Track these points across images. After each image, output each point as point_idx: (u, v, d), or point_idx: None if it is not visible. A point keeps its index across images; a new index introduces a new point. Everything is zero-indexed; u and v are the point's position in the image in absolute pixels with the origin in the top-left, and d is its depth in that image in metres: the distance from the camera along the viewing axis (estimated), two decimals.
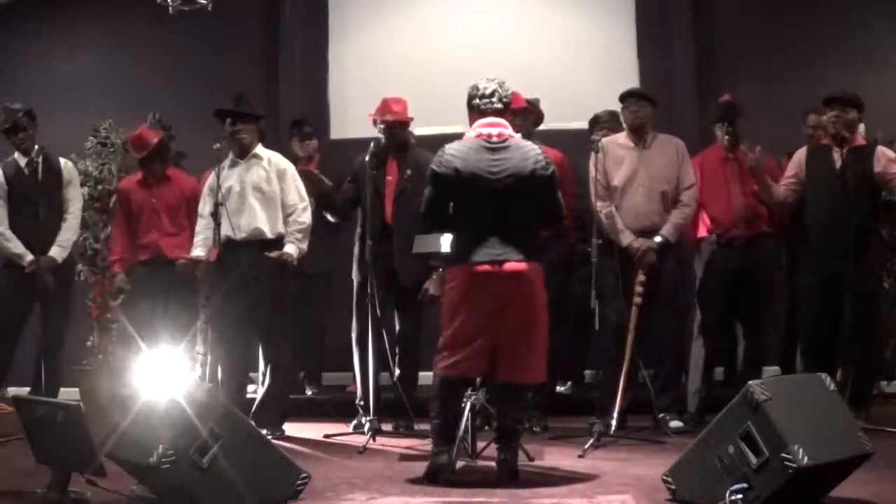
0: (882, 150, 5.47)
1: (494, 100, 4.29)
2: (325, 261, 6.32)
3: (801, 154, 5.54)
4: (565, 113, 6.43)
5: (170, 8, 6.24)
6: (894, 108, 6.86)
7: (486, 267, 4.09)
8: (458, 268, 4.17)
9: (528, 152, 4.22)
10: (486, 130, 4.24)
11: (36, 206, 5.69)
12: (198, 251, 5.43)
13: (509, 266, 4.09)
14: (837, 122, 5.34)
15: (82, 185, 7.01)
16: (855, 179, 5.25)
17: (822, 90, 5.60)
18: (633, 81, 7.01)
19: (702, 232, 5.69)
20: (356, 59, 7.63)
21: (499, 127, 4.25)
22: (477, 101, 4.31)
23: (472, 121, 4.34)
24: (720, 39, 7.33)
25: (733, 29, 7.30)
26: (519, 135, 4.37)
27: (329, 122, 7.61)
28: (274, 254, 5.32)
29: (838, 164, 5.32)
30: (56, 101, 7.13)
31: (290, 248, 5.37)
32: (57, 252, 5.72)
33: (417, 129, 5.88)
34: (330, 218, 5.86)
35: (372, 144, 5.33)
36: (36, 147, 5.80)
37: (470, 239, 4.14)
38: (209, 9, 6.25)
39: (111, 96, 7.50)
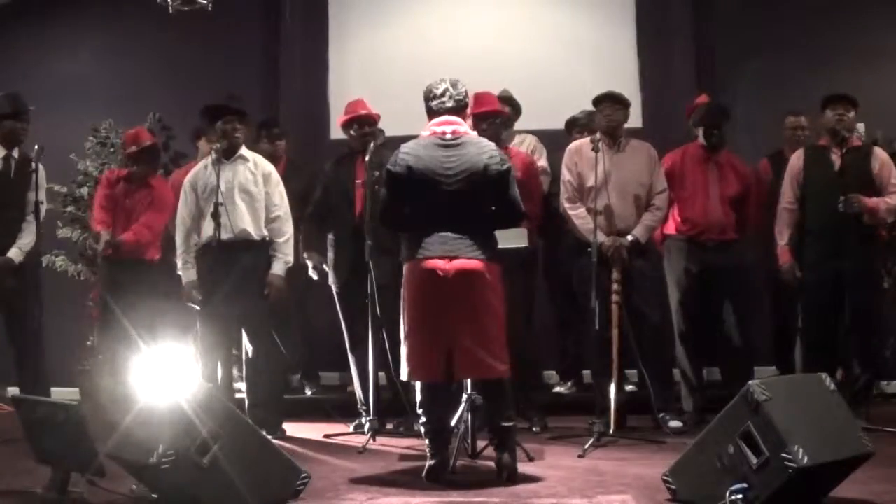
0: (878, 151, 5.49)
1: (445, 98, 4.32)
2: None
3: (797, 160, 5.52)
4: (565, 114, 6.42)
5: (170, 8, 6.23)
6: (894, 109, 6.87)
7: (437, 262, 4.10)
8: (411, 264, 4.19)
9: (482, 148, 4.23)
10: (439, 128, 4.27)
11: (3, 203, 5.64)
12: (187, 273, 5.42)
13: (459, 263, 4.09)
14: (841, 122, 5.34)
15: (82, 185, 7.05)
16: (854, 179, 5.27)
17: (821, 90, 5.62)
18: (632, 81, 7.03)
19: (669, 229, 5.69)
20: (356, 59, 7.63)
21: (453, 125, 4.28)
22: (430, 102, 4.35)
23: (429, 121, 4.38)
24: (720, 39, 7.33)
25: (733, 29, 7.29)
26: (475, 132, 4.39)
27: (329, 122, 7.61)
28: (271, 298, 5.37)
29: (837, 164, 5.33)
30: (56, 101, 7.13)
31: (279, 267, 5.41)
32: (15, 254, 5.61)
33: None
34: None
35: (372, 145, 5.34)
36: (37, 147, 5.76)
37: (424, 236, 4.16)
38: (209, 9, 6.24)
39: (111, 96, 7.50)
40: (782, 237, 5.51)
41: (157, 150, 6.37)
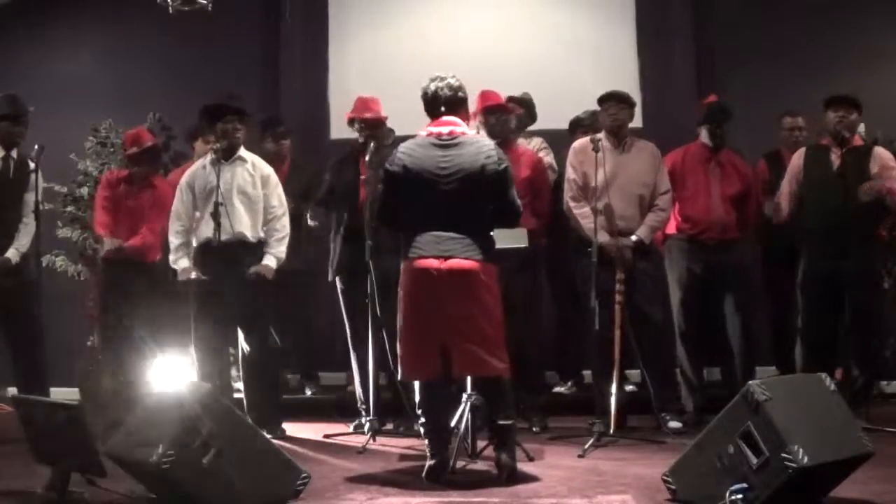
0: (879, 151, 5.49)
1: (439, 103, 4.33)
2: (300, 260, 6.28)
3: (798, 158, 5.54)
4: (565, 113, 6.41)
5: (170, 8, 6.23)
6: (894, 109, 6.87)
7: (431, 261, 4.11)
8: (406, 263, 4.21)
9: (480, 148, 4.24)
10: (436, 129, 4.29)
11: (1, 204, 5.64)
12: (183, 261, 5.37)
13: (453, 263, 4.10)
14: (841, 123, 5.35)
15: (82, 185, 7.05)
16: (854, 179, 5.27)
17: (821, 90, 5.62)
18: (632, 82, 7.02)
19: (670, 229, 5.69)
20: (356, 59, 7.63)
21: (450, 125, 4.29)
22: (426, 105, 4.37)
23: (430, 120, 4.40)
24: (720, 39, 7.33)
25: (733, 29, 7.30)
26: (475, 132, 4.40)
27: (329, 122, 7.61)
28: (252, 270, 5.32)
29: (836, 164, 5.33)
30: (56, 101, 7.13)
31: (269, 260, 5.38)
32: (12, 254, 5.59)
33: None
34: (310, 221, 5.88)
35: (372, 145, 5.34)
36: (37, 147, 5.76)
37: (418, 235, 4.17)
38: (209, 9, 6.25)
39: (111, 96, 7.50)
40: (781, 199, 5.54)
41: (158, 150, 6.37)
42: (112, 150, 7.09)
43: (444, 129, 4.27)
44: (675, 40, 7.31)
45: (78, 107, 7.38)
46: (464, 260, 4.12)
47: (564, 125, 6.42)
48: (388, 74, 7.27)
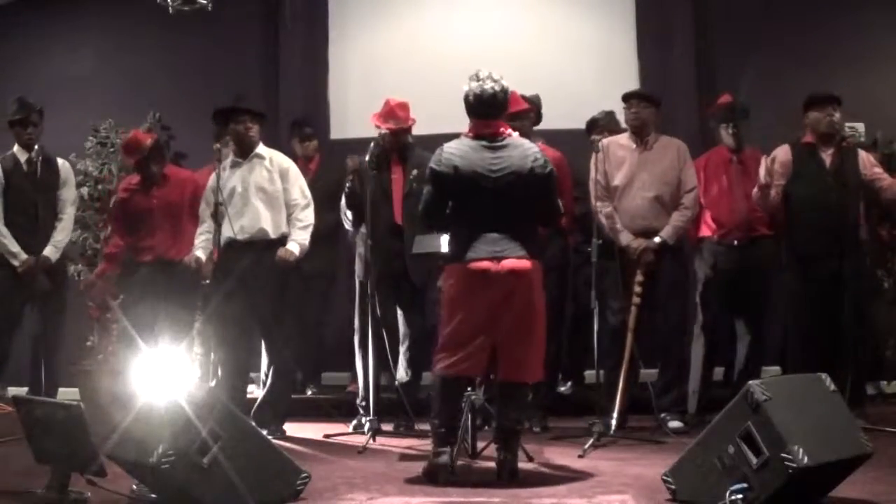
0: (861, 152, 5.47)
1: (481, 103, 4.23)
2: (325, 261, 6.33)
3: (784, 154, 5.44)
4: (565, 114, 6.42)
5: (170, 8, 6.24)
6: (894, 108, 6.87)
7: (485, 263, 4.10)
8: (457, 265, 4.18)
9: (526, 150, 4.24)
10: (482, 131, 4.26)
11: (34, 204, 5.68)
12: (199, 252, 5.36)
13: (508, 263, 4.10)
14: (836, 122, 5.34)
15: (82, 185, 7.04)
16: (847, 178, 5.25)
17: (821, 90, 5.59)
18: (633, 81, 7.02)
19: (704, 232, 5.69)
20: (356, 59, 7.64)
21: (497, 126, 4.27)
22: (468, 107, 4.29)
23: (471, 120, 4.34)
24: (720, 39, 7.33)
25: (733, 29, 7.30)
26: (516, 133, 4.39)
27: (329, 122, 7.61)
28: (278, 255, 5.29)
29: (828, 162, 5.31)
30: (56, 101, 7.10)
31: (292, 246, 5.34)
32: (51, 252, 5.68)
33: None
34: (347, 223, 5.82)
35: (372, 145, 5.33)
36: (36, 146, 5.81)
37: (469, 236, 4.16)
38: (209, 9, 6.25)
39: (111, 96, 7.51)
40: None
41: (160, 144, 6.24)
42: (112, 149, 7.09)
43: (492, 131, 4.25)
44: (675, 40, 7.32)
45: (78, 107, 7.37)
46: (517, 260, 4.12)
47: (563, 125, 6.42)
48: (387, 75, 7.28)
